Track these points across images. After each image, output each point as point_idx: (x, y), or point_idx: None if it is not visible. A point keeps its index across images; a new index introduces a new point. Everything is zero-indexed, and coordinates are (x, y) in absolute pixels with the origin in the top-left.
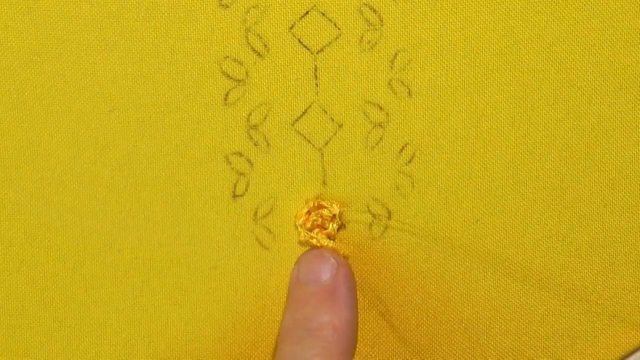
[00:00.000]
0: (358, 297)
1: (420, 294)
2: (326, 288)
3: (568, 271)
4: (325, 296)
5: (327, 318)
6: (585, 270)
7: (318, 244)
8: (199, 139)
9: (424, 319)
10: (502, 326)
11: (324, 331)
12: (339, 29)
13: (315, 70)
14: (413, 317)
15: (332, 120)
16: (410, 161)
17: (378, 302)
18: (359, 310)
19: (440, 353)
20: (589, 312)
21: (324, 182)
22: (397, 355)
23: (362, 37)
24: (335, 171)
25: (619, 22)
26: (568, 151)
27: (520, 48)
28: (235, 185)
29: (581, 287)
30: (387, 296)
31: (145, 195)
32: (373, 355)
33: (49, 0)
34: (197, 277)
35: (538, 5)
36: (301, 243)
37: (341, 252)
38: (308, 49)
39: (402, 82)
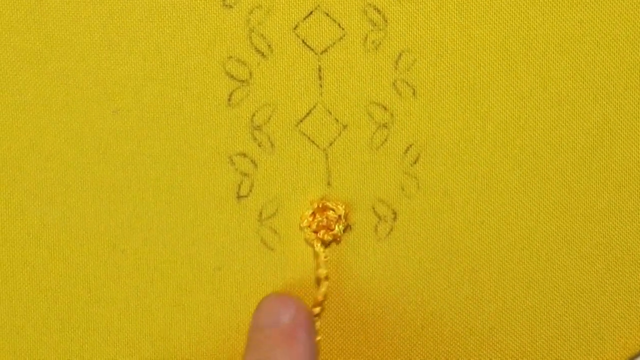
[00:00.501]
0: (364, 299)
1: (426, 295)
2: (284, 330)
3: (574, 272)
4: (283, 338)
5: (282, 359)
6: (591, 272)
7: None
8: (203, 140)
9: (429, 320)
10: (508, 328)
11: None
12: (343, 29)
13: (320, 70)
14: (418, 318)
15: (337, 120)
16: (415, 162)
17: (383, 303)
18: (362, 311)
19: (445, 354)
20: (595, 314)
21: (329, 183)
22: (401, 357)
23: (366, 38)
24: (340, 172)
25: (624, 22)
26: (574, 152)
27: (525, 48)
28: (239, 186)
29: (587, 289)
30: (392, 297)
31: (149, 196)
32: (377, 357)
33: (52, 1)
34: (201, 278)
35: (543, 6)
36: (307, 242)
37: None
38: (312, 50)
39: (407, 83)
